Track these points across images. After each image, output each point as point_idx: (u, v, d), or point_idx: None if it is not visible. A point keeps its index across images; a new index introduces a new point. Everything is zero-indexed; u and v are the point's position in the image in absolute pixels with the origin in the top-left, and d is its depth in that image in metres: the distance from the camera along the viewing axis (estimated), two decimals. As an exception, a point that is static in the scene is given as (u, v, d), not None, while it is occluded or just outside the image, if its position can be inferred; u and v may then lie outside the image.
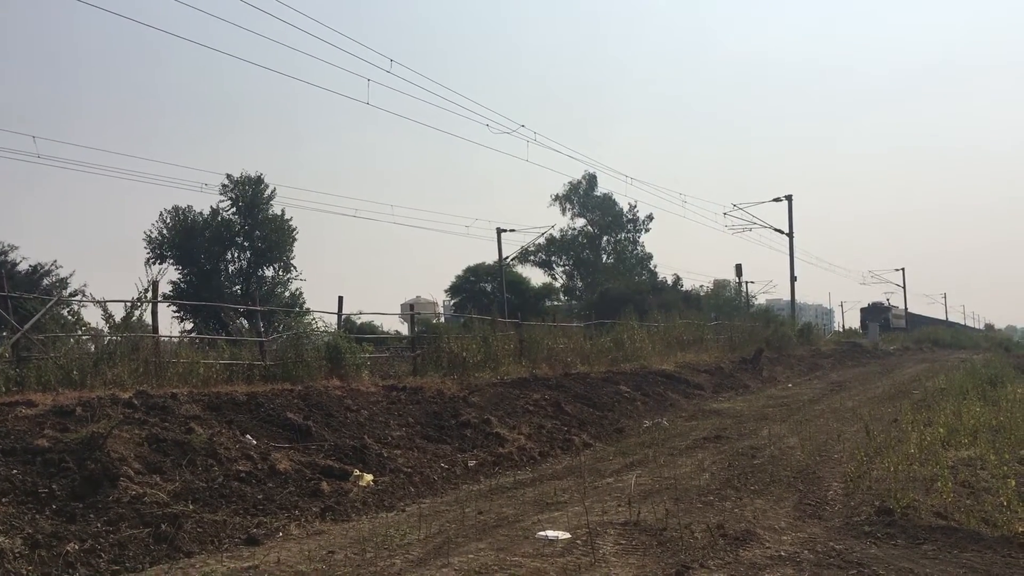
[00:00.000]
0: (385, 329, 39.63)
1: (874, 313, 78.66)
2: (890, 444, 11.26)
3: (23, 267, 43.27)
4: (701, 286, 65.71)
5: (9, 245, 43.89)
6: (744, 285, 63.55)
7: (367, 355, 18.32)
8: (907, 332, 70.18)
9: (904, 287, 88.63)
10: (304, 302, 50.24)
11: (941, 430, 11.99)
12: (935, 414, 14.16)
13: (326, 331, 18.04)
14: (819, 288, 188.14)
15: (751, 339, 36.24)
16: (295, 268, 53.82)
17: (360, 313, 30.26)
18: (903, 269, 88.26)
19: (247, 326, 23.47)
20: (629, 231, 74.32)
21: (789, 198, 49.29)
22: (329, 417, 12.11)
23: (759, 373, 29.31)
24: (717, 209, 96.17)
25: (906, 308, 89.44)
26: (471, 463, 11.77)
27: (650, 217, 73.49)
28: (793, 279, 51.46)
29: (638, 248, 74.42)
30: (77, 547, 6.76)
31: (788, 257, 50.20)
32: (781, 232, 49.90)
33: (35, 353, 12.61)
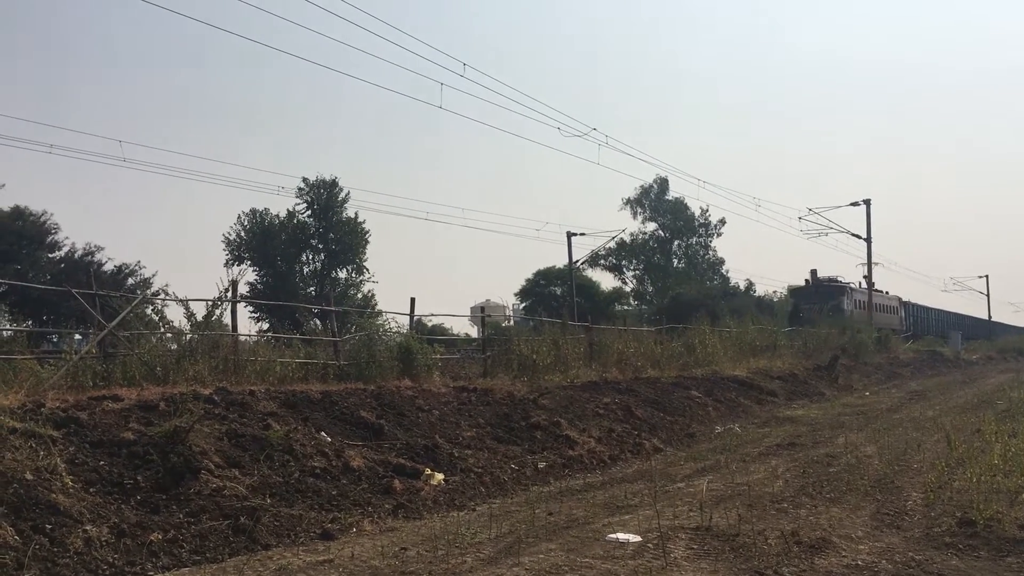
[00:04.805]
0: (455, 331, 39.96)
1: (811, 296, 50.08)
2: (972, 455, 10.91)
3: (108, 267, 44.89)
4: (775, 291, 64.69)
5: (95, 246, 45.63)
6: (819, 291, 62.06)
7: (438, 356, 18.51)
8: (991, 339, 67.56)
9: (988, 294, 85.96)
10: (376, 303, 50.96)
11: (1027, 441, 11.58)
12: (1021, 425, 13.68)
13: (398, 332, 18.26)
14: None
15: (826, 346, 35.57)
16: (367, 270, 54.66)
17: (431, 315, 30.56)
18: (987, 276, 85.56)
19: (321, 326, 23.90)
20: (701, 235, 73.16)
21: (868, 202, 48.00)
22: (401, 416, 12.26)
23: (835, 380, 28.73)
24: (791, 213, 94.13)
25: (989, 316, 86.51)
26: (541, 465, 11.80)
27: (722, 221, 72.10)
28: (871, 285, 50.31)
29: (710, 253, 73.22)
30: (160, 537, 6.98)
31: (866, 263, 49.12)
32: (859, 237, 48.78)
33: (120, 349, 13.04)
